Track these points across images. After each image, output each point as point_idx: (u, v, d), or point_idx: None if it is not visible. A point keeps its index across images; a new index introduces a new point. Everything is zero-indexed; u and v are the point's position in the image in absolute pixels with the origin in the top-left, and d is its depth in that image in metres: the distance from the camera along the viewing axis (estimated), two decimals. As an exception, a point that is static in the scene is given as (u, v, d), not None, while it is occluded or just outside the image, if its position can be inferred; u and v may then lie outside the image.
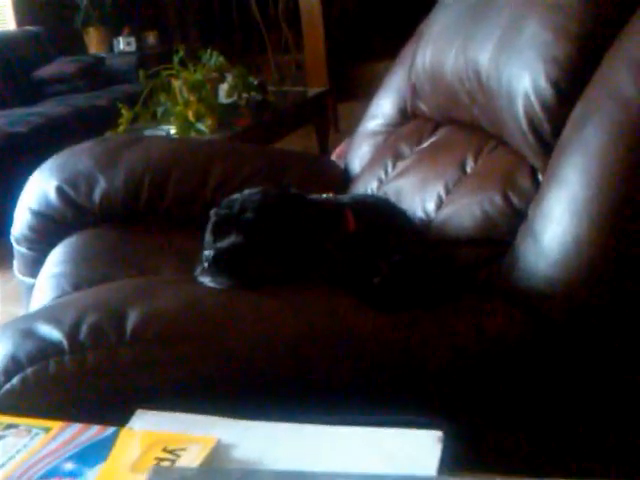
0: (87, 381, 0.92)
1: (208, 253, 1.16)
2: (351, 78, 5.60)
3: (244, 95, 3.68)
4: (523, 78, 1.30)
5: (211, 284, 1.15)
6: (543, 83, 1.26)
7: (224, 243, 1.19)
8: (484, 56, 1.44)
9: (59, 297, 1.49)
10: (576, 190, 1.12)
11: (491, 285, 1.25)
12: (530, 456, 1.02)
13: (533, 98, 1.28)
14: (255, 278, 1.15)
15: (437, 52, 1.69)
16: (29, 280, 1.77)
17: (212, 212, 1.27)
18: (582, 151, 1.14)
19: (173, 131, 3.28)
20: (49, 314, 1.02)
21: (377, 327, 1.02)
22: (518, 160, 1.36)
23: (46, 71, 4.77)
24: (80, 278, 1.54)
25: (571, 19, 1.26)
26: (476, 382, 1.03)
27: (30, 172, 1.86)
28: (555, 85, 1.25)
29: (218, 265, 1.14)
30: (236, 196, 1.28)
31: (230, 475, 0.70)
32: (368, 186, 1.77)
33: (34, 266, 1.74)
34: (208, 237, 1.25)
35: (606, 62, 1.18)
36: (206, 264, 1.15)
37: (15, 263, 1.85)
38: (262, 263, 1.17)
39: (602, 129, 1.12)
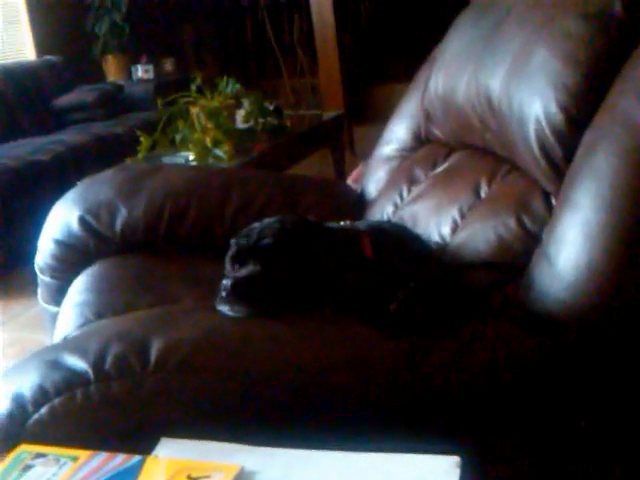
0: (113, 410, 0.94)
1: (226, 282, 1.18)
2: (366, 101, 5.65)
3: (260, 120, 3.72)
4: (534, 104, 1.32)
5: (229, 313, 1.17)
6: (554, 109, 1.28)
7: (242, 272, 1.22)
8: (495, 82, 1.47)
9: (82, 325, 1.52)
10: (589, 215, 1.14)
11: (506, 309, 1.27)
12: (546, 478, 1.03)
13: (544, 123, 1.30)
14: (273, 306, 1.18)
15: (449, 78, 1.71)
16: (53, 308, 1.80)
17: (232, 242, 1.30)
18: (593, 176, 1.16)
19: (191, 157, 3.32)
20: (74, 345, 1.05)
21: (393, 355, 1.04)
22: (531, 185, 1.38)
23: (65, 100, 4.84)
24: (103, 307, 1.57)
25: (580, 47, 1.28)
26: (492, 407, 1.04)
27: (52, 199, 1.90)
28: (565, 111, 1.27)
29: (236, 294, 1.17)
30: (255, 225, 1.31)
31: None
32: (384, 211, 1.79)
33: (58, 294, 1.77)
34: (228, 266, 1.28)
35: (615, 88, 1.20)
36: (224, 293, 1.18)
37: (39, 291, 1.88)
38: (280, 291, 1.19)
39: (612, 154, 1.14)
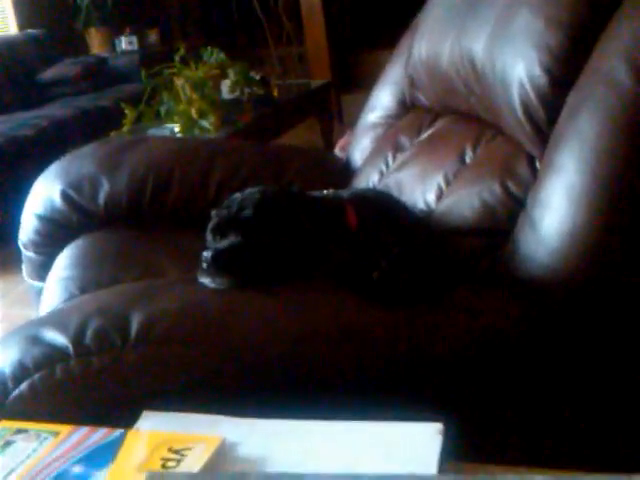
0: (93, 384, 0.94)
1: (207, 254, 1.17)
2: (354, 68, 5.59)
3: (246, 90, 3.68)
4: (517, 66, 1.30)
5: (211, 285, 1.16)
6: (537, 71, 1.26)
7: (222, 243, 1.20)
8: (478, 45, 1.45)
9: (67, 300, 1.51)
10: (572, 178, 1.13)
11: (492, 274, 1.26)
12: (530, 447, 1.03)
13: (528, 86, 1.28)
14: (254, 277, 1.17)
15: (433, 43, 1.69)
16: (38, 284, 1.79)
17: (213, 213, 1.29)
18: (577, 138, 1.15)
19: (177, 129, 3.29)
20: (54, 320, 1.04)
21: (378, 324, 1.03)
22: (516, 149, 1.36)
23: (49, 74, 4.79)
24: (87, 281, 1.56)
25: (563, 7, 1.27)
26: (478, 373, 1.04)
27: (37, 174, 1.87)
28: (549, 72, 1.25)
29: (216, 266, 1.15)
30: (236, 195, 1.29)
31: None
32: (369, 179, 1.78)
33: (42, 270, 1.76)
34: (209, 237, 1.27)
35: (598, 49, 1.19)
36: (205, 265, 1.16)
37: (24, 267, 1.87)
38: (261, 262, 1.18)
39: (596, 116, 1.12)
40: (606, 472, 0.67)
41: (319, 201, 1.34)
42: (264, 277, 1.18)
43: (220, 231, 1.24)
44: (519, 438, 1.03)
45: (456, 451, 0.78)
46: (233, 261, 1.17)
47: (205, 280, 1.17)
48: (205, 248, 1.25)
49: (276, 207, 1.24)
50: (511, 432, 1.03)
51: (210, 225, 1.27)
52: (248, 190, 1.30)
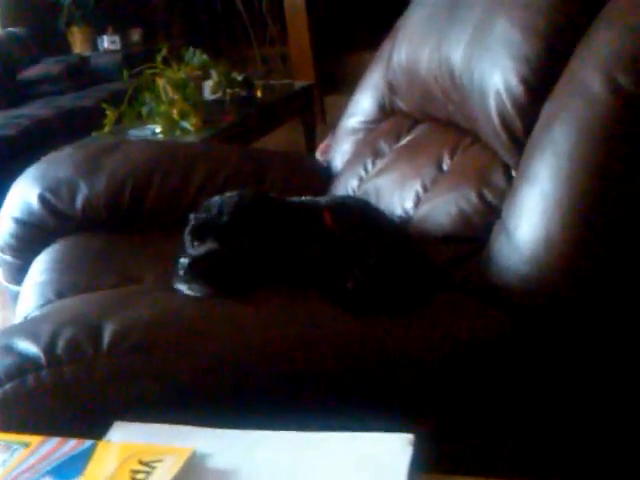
0: (65, 395, 0.93)
1: (184, 261, 1.16)
2: (338, 70, 5.59)
3: (229, 91, 3.68)
4: (494, 76, 1.31)
5: (188, 292, 1.15)
6: (513, 81, 1.27)
7: (199, 250, 1.19)
8: (457, 54, 1.45)
9: (43, 305, 1.50)
10: (546, 188, 1.14)
11: (468, 283, 1.26)
12: (504, 458, 1.03)
13: (504, 96, 1.29)
14: (232, 285, 1.16)
15: (412, 49, 1.69)
16: (15, 287, 1.78)
17: (191, 217, 1.28)
18: (552, 148, 1.15)
19: (158, 130, 3.27)
20: (26, 329, 1.03)
21: (352, 334, 1.03)
22: (492, 158, 1.37)
23: (31, 72, 4.76)
24: (64, 286, 1.55)
25: (539, 17, 1.27)
26: (452, 383, 1.04)
27: (19, 175, 1.86)
28: (525, 82, 1.26)
29: (194, 272, 1.15)
30: (215, 199, 1.29)
31: None
32: (349, 184, 1.78)
33: (19, 273, 1.75)
34: (186, 242, 1.26)
35: (574, 60, 1.19)
36: (182, 271, 1.16)
37: (0, 270, 1.85)
38: (239, 269, 1.18)
39: (570, 127, 1.13)
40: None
41: (297, 207, 1.34)
42: (241, 284, 1.17)
43: (197, 236, 1.22)
44: (493, 449, 1.03)
45: (427, 463, 0.78)
46: (210, 268, 1.16)
47: (182, 287, 1.16)
48: (182, 253, 1.24)
49: (254, 213, 1.24)
50: (485, 443, 1.03)
51: (187, 229, 1.26)
52: (227, 194, 1.29)
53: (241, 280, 1.18)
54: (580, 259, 1.10)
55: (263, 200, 1.30)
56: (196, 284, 1.15)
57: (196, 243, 1.23)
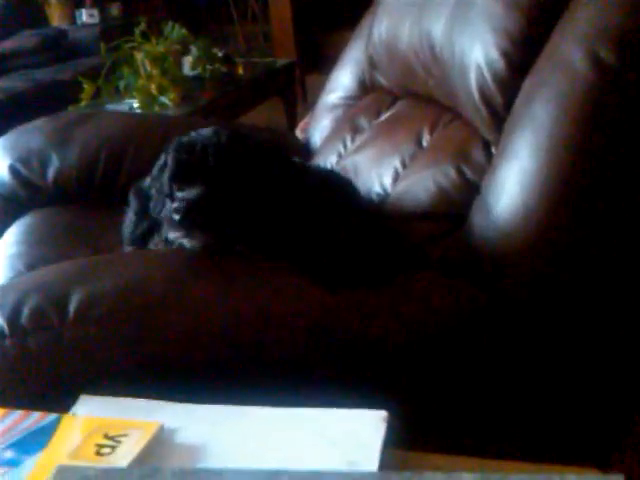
0: (29, 365, 0.90)
1: (178, 205, 1.07)
2: (319, 49, 5.54)
3: (208, 67, 3.63)
4: (475, 50, 1.29)
5: (185, 242, 1.09)
6: (494, 55, 1.25)
7: (192, 193, 1.09)
8: (437, 28, 1.43)
9: (14, 277, 1.47)
10: (526, 164, 1.12)
11: (446, 260, 1.25)
12: (477, 435, 1.03)
13: (485, 70, 1.27)
14: (227, 232, 1.10)
15: (393, 23, 1.67)
16: (-16, 261, 1.75)
17: (169, 156, 1.17)
18: (532, 124, 1.13)
19: (136, 105, 3.23)
20: (-11, 298, 1.00)
21: (326, 307, 1.01)
22: (472, 134, 1.35)
23: (6, 45, 4.68)
24: (35, 258, 1.52)
25: (522, -10, 1.25)
26: (425, 360, 1.03)
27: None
28: (506, 56, 1.24)
29: (191, 218, 1.07)
30: (192, 135, 1.18)
31: (131, 475, 0.69)
32: (327, 160, 1.75)
33: (-11, 246, 1.72)
34: (165, 185, 1.16)
35: (556, 34, 1.17)
36: (177, 217, 1.07)
37: (-30, 243, 1.82)
38: (231, 215, 1.11)
39: (550, 102, 1.11)
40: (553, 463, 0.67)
41: (285, 158, 1.27)
42: (233, 232, 1.12)
43: (182, 179, 1.13)
44: (467, 426, 1.02)
45: (401, 440, 0.77)
46: (208, 213, 1.08)
47: (176, 235, 1.10)
48: (165, 198, 1.15)
49: (239, 156, 1.14)
50: (459, 420, 1.02)
51: (168, 173, 1.15)
52: (203, 132, 1.18)
53: (232, 228, 1.11)
54: (558, 234, 1.09)
55: (249, 141, 1.20)
56: (194, 231, 1.08)
57: (184, 187, 1.12)
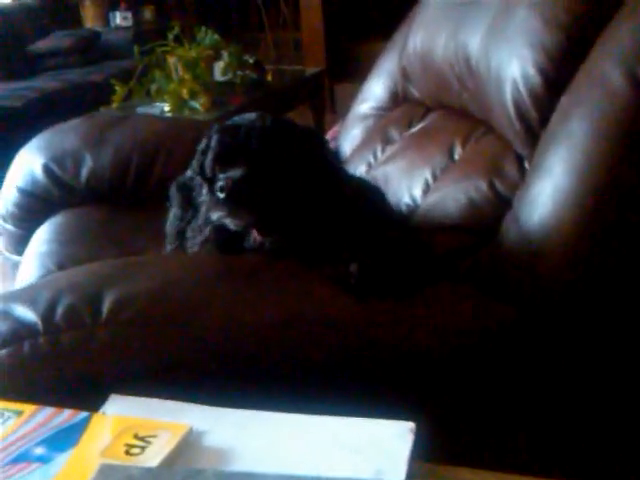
0: (61, 363, 0.91)
1: (223, 183, 1.07)
2: (349, 58, 5.55)
3: (239, 73, 3.65)
4: (512, 65, 1.29)
5: (228, 221, 1.10)
6: (531, 71, 1.25)
7: (237, 173, 1.09)
8: (474, 42, 1.43)
9: (44, 276, 1.49)
10: (560, 181, 1.12)
11: (475, 273, 1.25)
12: (503, 450, 1.02)
13: (521, 85, 1.27)
14: (269, 214, 1.11)
15: (428, 36, 1.67)
16: (15, 258, 1.77)
17: (213, 138, 1.16)
18: (568, 141, 1.13)
19: (167, 108, 3.25)
20: (24, 295, 1.01)
21: (357, 315, 1.01)
22: (505, 148, 1.35)
23: (41, 45, 4.73)
24: (65, 257, 1.54)
25: (561, 7, 1.25)
26: (452, 372, 1.03)
27: (23, 146, 1.85)
28: (543, 73, 1.24)
29: (236, 196, 1.07)
30: (237, 120, 1.18)
31: (174, 476, 0.69)
32: (357, 170, 1.76)
33: (20, 244, 1.74)
34: (207, 167, 1.16)
35: (594, 52, 1.17)
36: (222, 195, 1.07)
37: (1, 240, 1.84)
38: (276, 200, 1.11)
39: (587, 120, 1.11)
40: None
41: (327, 150, 1.26)
42: (275, 217, 1.12)
43: (225, 161, 1.12)
44: (494, 441, 1.02)
45: (428, 452, 0.77)
46: (252, 193, 1.08)
47: (220, 215, 1.10)
48: (203, 183, 1.15)
49: (282, 141, 1.14)
50: (486, 435, 1.01)
51: (212, 154, 1.15)
52: (246, 116, 1.18)
53: (273, 212, 1.11)
54: (591, 254, 1.08)
55: (296, 128, 1.21)
56: (238, 210, 1.08)
57: (227, 168, 1.12)
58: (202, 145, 1.22)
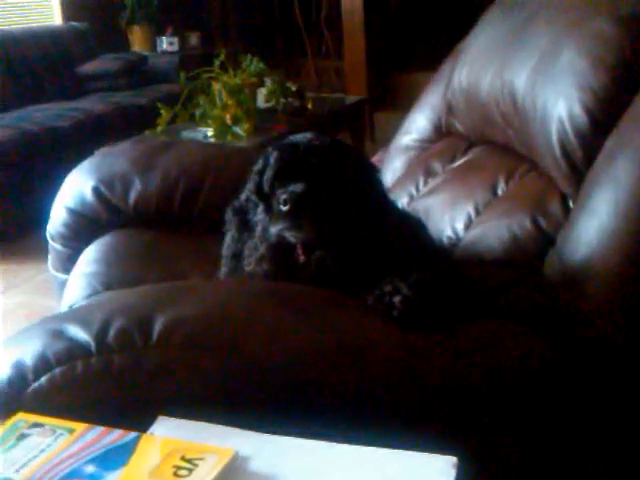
0: (112, 384, 0.94)
1: (286, 197, 1.11)
2: (390, 87, 5.60)
3: (282, 100, 3.71)
4: (558, 104, 1.30)
5: (289, 234, 1.13)
6: (578, 111, 1.26)
7: (298, 187, 1.13)
8: (521, 79, 1.45)
9: (90, 295, 1.53)
10: (605, 221, 1.12)
11: (515, 309, 1.25)
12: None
13: (567, 125, 1.28)
14: (328, 228, 1.14)
15: (474, 72, 1.69)
16: (62, 276, 1.81)
17: (273, 156, 1.20)
18: (613, 182, 1.14)
19: (210, 133, 3.31)
20: (78, 315, 1.05)
21: (403, 346, 1.02)
22: (549, 185, 1.36)
23: (89, 67, 4.84)
24: (111, 278, 1.57)
25: (609, 49, 1.26)
26: (491, 407, 1.03)
27: (70, 166, 1.90)
28: (589, 114, 1.25)
29: (299, 208, 1.11)
30: (294, 139, 1.22)
31: None
32: (399, 201, 1.77)
33: (67, 263, 1.78)
34: (266, 182, 1.19)
35: (641, 95, 1.18)
36: (285, 207, 1.11)
37: (49, 258, 1.89)
38: (331, 211, 1.14)
39: (634, 162, 1.12)
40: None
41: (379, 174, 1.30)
42: (331, 233, 1.15)
43: (284, 176, 1.16)
44: (531, 472, 1.02)
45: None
46: (313, 207, 1.12)
47: (281, 228, 1.13)
48: (269, 196, 1.18)
49: (343, 159, 1.19)
50: (526, 470, 1.01)
51: (271, 171, 1.18)
52: (307, 135, 1.22)
53: (331, 228, 1.15)
54: (634, 297, 1.09)
55: (347, 149, 1.25)
56: (301, 222, 1.12)
57: (285, 184, 1.16)
58: (258, 165, 1.26)
